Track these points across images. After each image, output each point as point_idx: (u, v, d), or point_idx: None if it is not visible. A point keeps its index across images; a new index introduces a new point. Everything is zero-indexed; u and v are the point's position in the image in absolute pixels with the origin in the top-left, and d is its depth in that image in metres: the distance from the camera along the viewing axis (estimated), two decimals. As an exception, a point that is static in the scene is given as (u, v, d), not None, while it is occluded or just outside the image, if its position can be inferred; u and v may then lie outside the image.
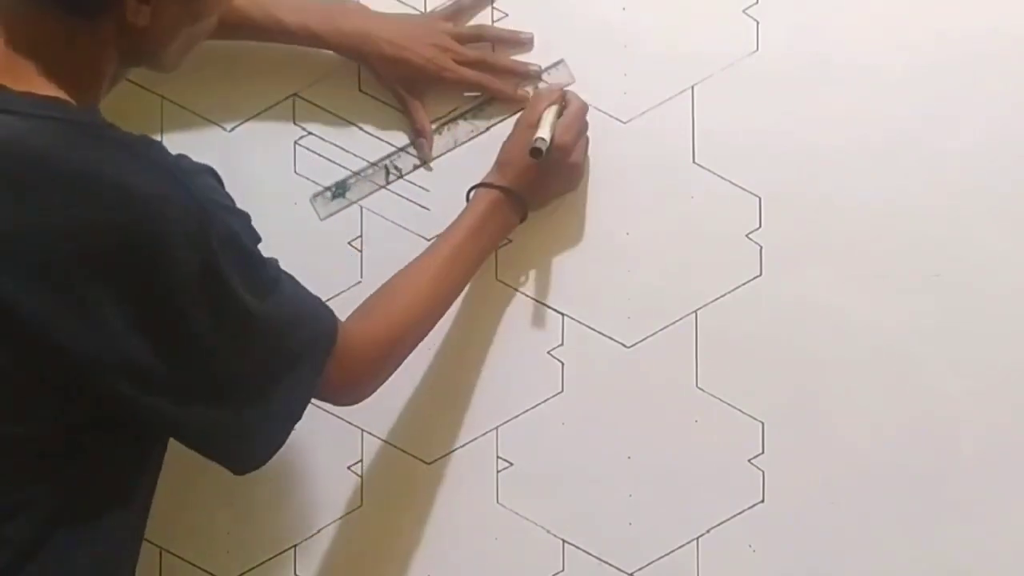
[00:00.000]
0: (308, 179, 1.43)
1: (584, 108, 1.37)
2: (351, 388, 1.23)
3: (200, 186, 1.05)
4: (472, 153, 1.41)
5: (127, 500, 1.12)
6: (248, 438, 1.12)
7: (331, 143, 1.43)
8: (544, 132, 1.30)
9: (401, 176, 1.42)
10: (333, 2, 1.39)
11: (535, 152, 1.29)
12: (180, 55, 1.15)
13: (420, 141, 1.41)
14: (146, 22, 1.06)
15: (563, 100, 1.36)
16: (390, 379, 1.39)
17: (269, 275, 1.11)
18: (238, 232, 1.07)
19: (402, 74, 1.38)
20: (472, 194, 1.34)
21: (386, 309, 1.23)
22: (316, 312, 1.16)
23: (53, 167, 1.00)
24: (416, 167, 1.42)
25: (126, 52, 1.09)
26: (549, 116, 1.33)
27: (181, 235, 1.01)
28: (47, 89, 1.03)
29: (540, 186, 1.35)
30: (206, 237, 1.02)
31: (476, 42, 1.40)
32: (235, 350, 1.07)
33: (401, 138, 1.43)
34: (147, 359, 1.02)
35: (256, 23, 1.34)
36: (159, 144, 1.08)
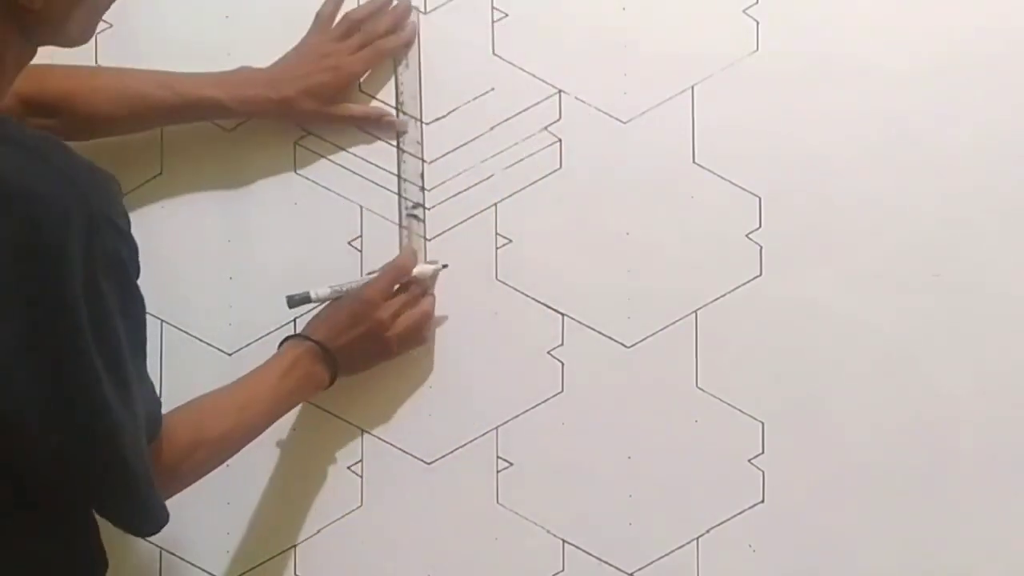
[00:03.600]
0: (308, 179, 1.43)
1: (395, 271, 1.36)
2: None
3: (98, 196, 1.01)
4: (468, 153, 1.42)
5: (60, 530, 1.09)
6: (124, 486, 1.06)
7: (331, 143, 1.43)
8: (320, 289, 1.34)
9: (425, 209, 1.42)
10: (225, 73, 1.39)
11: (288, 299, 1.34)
12: (85, 27, 1.09)
13: (387, 122, 1.41)
14: (40, 5, 1.01)
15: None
16: (389, 379, 1.40)
17: (139, 316, 1.07)
18: (123, 258, 1.03)
19: (321, 98, 1.38)
20: (283, 343, 1.33)
21: (194, 424, 1.18)
22: (154, 393, 1.12)
23: None
24: (421, 201, 1.42)
25: (25, 36, 1.04)
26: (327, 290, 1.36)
27: (75, 246, 0.97)
28: None
29: (345, 344, 1.33)
30: (93, 252, 0.98)
31: (354, 32, 1.40)
32: (110, 379, 1.02)
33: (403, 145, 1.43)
34: (29, 381, 0.98)
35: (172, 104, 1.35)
36: (63, 145, 1.03)
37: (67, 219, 0.97)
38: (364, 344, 1.34)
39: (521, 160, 1.42)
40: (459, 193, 1.42)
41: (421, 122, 1.42)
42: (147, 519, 1.10)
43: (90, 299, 0.99)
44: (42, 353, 0.98)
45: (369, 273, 1.39)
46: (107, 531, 1.14)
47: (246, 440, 1.25)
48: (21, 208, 0.96)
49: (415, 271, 1.38)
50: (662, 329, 1.41)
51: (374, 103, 1.42)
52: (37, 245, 0.96)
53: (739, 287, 1.40)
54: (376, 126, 1.42)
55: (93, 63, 1.34)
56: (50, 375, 0.99)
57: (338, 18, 1.41)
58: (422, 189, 1.42)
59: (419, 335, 1.38)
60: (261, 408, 1.26)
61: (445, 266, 1.40)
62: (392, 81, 1.43)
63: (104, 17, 1.11)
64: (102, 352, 1.00)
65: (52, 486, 1.05)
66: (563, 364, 1.41)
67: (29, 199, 0.97)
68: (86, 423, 1.01)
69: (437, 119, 1.42)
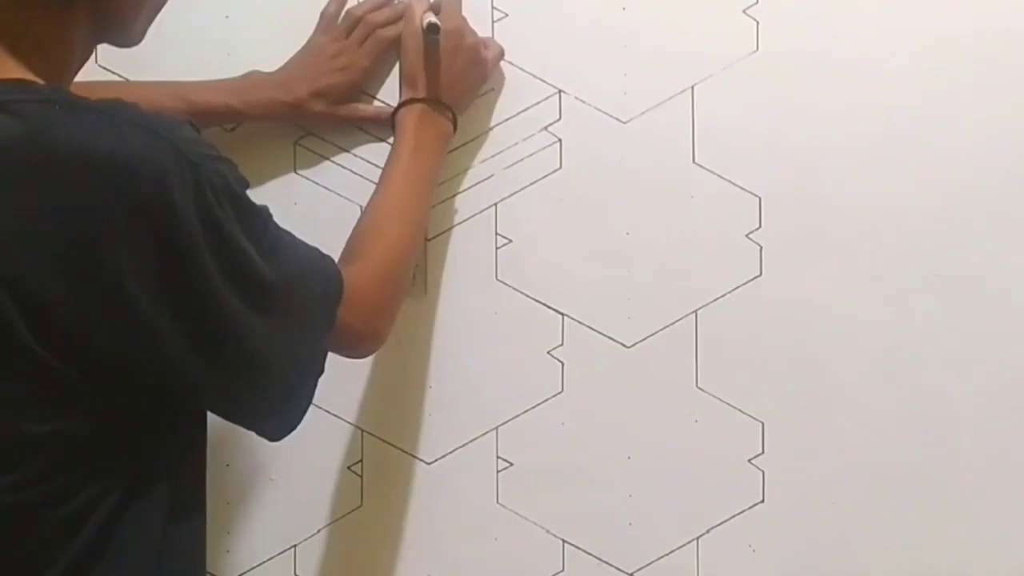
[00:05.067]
0: (308, 179, 1.43)
1: (457, 0, 1.38)
2: (370, 331, 1.21)
3: (184, 139, 1.01)
4: (468, 153, 1.42)
5: (181, 493, 1.09)
6: (280, 402, 1.10)
7: (331, 143, 1.43)
8: (430, 18, 1.32)
9: None
10: (238, 79, 1.39)
11: (431, 28, 1.30)
12: (146, 27, 1.12)
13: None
14: None
15: (434, 5, 1.37)
16: (390, 378, 1.40)
17: (265, 223, 1.09)
18: (229, 181, 1.03)
19: (332, 98, 1.39)
20: (395, 118, 1.34)
21: (370, 247, 1.22)
22: (320, 262, 1.14)
23: (38, 149, 0.96)
24: None
25: (96, 26, 1.06)
26: (429, 14, 1.34)
27: (179, 192, 0.97)
28: (15, 72, 1.00)
29: (452, 83, 1.34)
30: (201, 190, 0.99)
31: (354, 28, 1.40)
32: (252, 307, 1.03)
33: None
34: (173, 333, 0.99)
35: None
36: (133, 105, 1.03)
37: (163, 167, 0.97)
38: (467, 74, 1.36)
39: (521, 160, 1.42)
40: (459, 193, 1.42)
41: (423, 122, 1.42)
42: (282, 428, 1.13)
43: (210, 234, 0.99)
44: (176, 302, 0.99)
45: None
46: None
47: (423, 223, 1.29)
48: (111, 170, 0.96)
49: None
50: (662, 329, 1.41)
51: (377, 104, 1.42)
52: (138, 200, 0.96)
53: (739, 287, 1.40)
54: (386, 125, 1.42)
55: (93, 63, 1.34)
56: (189, 320, 0.99)
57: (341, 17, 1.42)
58: (423, 189, 1.42)
59: (498, 47, 1.40)
60: (418, 188, 1.28)
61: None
62: (395, 82, 1.42)
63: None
64: (235, 283, 1.01)
65: (201, 404, 1.09)
66: (563, 364, 1.42)
67: (117, 159, 0.96)
68: (228, 357, 1.03)
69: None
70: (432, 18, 1.32)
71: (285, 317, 1.07)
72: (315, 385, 1.13)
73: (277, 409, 1.11)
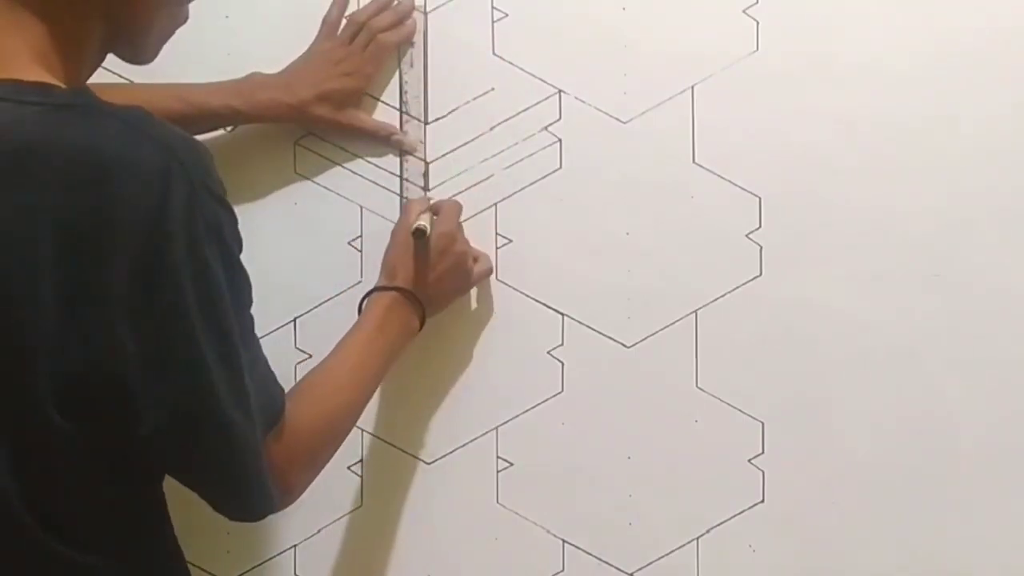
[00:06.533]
0: (308, 179, 1.43)
1: (457, 206, 1.38)
2: (280, 477, 1.09)
3: (195, 165, 1.01)
4: (468, 153, 1.42)
5: (146, 514, 1.11)
6: (237, 473, 1.05)
7: (331, 143, 1.43)
8: (423, 220, 1.32)
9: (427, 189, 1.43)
10: (240, 80, 1.39)
11: (418, 233, 1.30)
12: (158, 42, 1.12)
13: (396, 140, 1.41)
14: None
15: (434, 206, 1.38)
16: (390, 378, 1.39)
17: (246, 299, 1.07)
18: (223, 225, 1.03)
19: (334, 103, 1.39)
20: (365, 302, 1.31)
21: (312, 402, 1.15)
22: (274, 378, 1.11)
23: (52, 151, 0.97)
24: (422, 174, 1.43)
25: (108, 33, 1.07)
26: (425, 215, 1.34)
27: (177, 211, 0.97)
28: (33, 74, 1.01)
29: (432, 283, 1.32)
30: (193, 217, 0.98)
31: (358, 32, 1.40)
32: (216, 353, 1.01)
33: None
34: (137, 353, 0.98)
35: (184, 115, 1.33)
36: (153, 116, 1.03)
37: (167, 186, 0.97)
38: (449, 279, 1.34)
39: (521, 160, 1.42)
40: (460, 193, 1.41)
41: (424, 123, 1.42)
42: (239, 506, 1.08)
43: (194, 267, 0.99)
44: (145, 320, 0.98)
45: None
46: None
47: (363, 405, 1.23)
48: (121, 177, 0.97)
49: (414, 198, 1.41)
50: (662, 329, 1.41)
51: (378, 105, 1.42)
52: (139, 213, 0.96)
53: (739, 287, 1.40)
54: (384, 143, 1.42)
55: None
56: (153, 343, 0.98)
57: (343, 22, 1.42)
58: (424, 189, 1.42)
59: (488, 264, 1.40)
60: (370, 368, 1.24)
61: None
62: (395, 82, 1.43)
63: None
64: (209, 324, 1.00)
65: (157, 461, 1.05)
66: (563, 364, 1.42)
67: (128, 168, 0.97)
68: (186, 389, 1.00)
69: (437, 119, 1.42)
70: (423, 223, 1.31)
71: (245, 382, 1.03)
72: (268, 480, 1.07)
73: (233, 480, 1.05)
